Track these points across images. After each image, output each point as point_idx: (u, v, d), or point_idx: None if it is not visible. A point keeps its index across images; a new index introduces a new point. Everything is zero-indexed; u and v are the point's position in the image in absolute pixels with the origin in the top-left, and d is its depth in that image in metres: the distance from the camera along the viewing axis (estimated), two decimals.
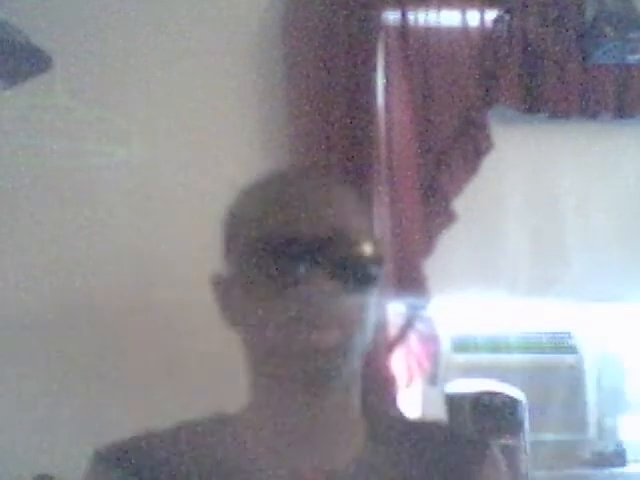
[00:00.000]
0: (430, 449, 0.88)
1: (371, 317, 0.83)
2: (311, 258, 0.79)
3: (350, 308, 0.80)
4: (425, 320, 2.05)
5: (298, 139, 2.04)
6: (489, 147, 2.11)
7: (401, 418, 1.01)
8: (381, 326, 1.95)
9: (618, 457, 2.09)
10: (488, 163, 2.11)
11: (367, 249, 0.82)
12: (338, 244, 0.80)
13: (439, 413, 1.89)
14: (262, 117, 2.12)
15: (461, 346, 2.14)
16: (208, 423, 0.87)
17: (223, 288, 0.87)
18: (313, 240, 0.79)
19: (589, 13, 2.12)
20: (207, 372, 1.75)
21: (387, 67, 2.07)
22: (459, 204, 2.09)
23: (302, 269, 0.78)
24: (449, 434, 0.93)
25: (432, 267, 2.05)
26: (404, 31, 2.10)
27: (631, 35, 2.05)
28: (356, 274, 0.81)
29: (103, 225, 2.05)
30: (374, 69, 2.05)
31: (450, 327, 2.15)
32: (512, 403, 1.82)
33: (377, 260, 0.83)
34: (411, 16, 2.10)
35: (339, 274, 0.79)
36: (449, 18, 2.12)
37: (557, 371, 2.13)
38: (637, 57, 2.09)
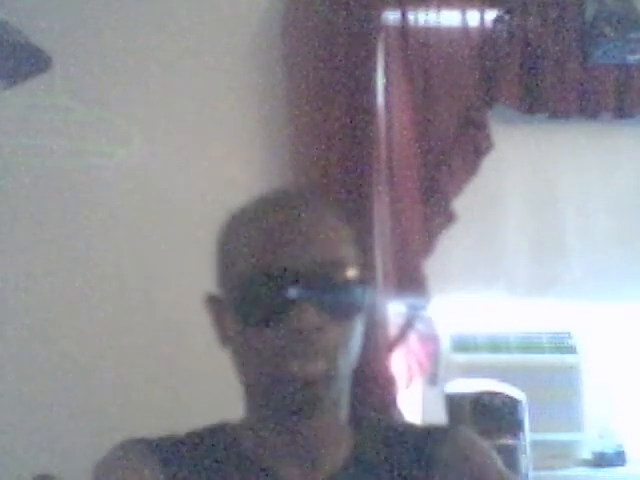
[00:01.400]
0: (411, 451, 0.89)
1: (356, 341, 0.84)
2: (300, 288, 0.79)
3: (337, 338, 0.81)
4: (425, 320, 2.05)
5: (298, 139, 2.04)
6: (489, 147, 2.11)
7: (387, 423, 0.98)
8: (381, 326, 1.95)
9: (618, 457, 2.09)
10: (488, 163, 2.11)
11: (356, 279, 0.83)
12: (328, 275, 0.81)
13: (439, 413, 1.89)
14: (262, 117, 2.12)
15: (461, 346, 2.14)
16: (213, 432, 0.89)
17: (216, 309, 0.88)
18: (303, 271, 0.79)
19: (589, 13, 2.12)
20: (207, 372, 1.75)
21: (387, 67, 2.07)
22: (459, 204, 2.09)
23: (291, 299, 0.79)
24: (428, 432, 0.93)
25: (432, 267, 2.05)
26: (404, 31, 2.10)
27: (631, 35, 2.05)
28: (344, 305, 0.82)
29: (103, 225, 2.05)
30: (374, 69, 2.05)
31: (450, 327, 2.15)
32: (512, 403, 1.81)
33: (365, 288, 0.84)
34: (411, 16, 2.10)
35: (328, 306, 0.80)
36: (449, 18, 2.12)
37: (557, 371, 2.12)
38: (637, 57, 2.09)
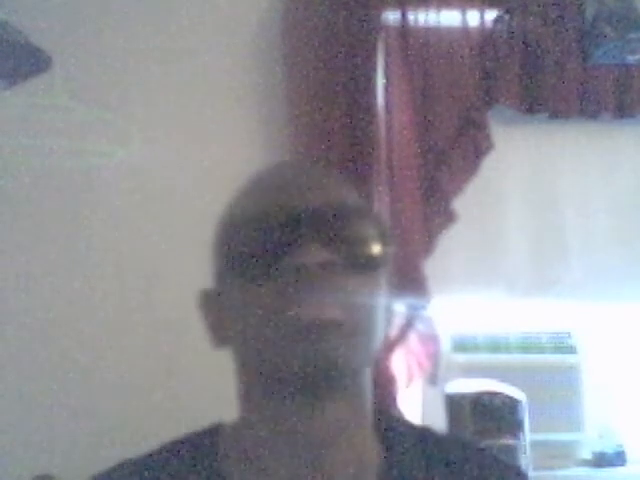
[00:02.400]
0: (451, 468, 0.81)
1: (378, 311, 0.77)
2: (304, 230, 0.72)
3: (352, 287, 0.73)
4: (425, 320, 2.05)
5: (298, 139, 2.04)
6: (489, 147, 2.11)
7: (420, 430, 0.86)
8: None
9: (618, 457, 2.09)
10: (488, 163, 2.11)
11: (366, 224, 0.77)
12: (334, 216, 0.74)
13: (439, 413, 1.89)
14: (262, 117, 2.12)
15: (461, 346, 2.14)
16: (205, 436, 0.82)
17: (212, 302, 0.81)
18: (309, 210, 0.73)
19: (589, 13, 2.12)
20: (207, 372, 1.75)
21: (387, 67, 2.07)
22: (459, 204, 2.09)
23: (296, 242, 0.72)
24: (468, 446, 0.86)
25: (432, 267, 2.05)
26: (404, 31, 2.10)
27: (631, 35, 2.05)
28: (357, 251, 0.75)
29: (103, 225, 2.05)
30: (374, 69, 2.05)
31: (450, 327, 2.15)
32: (512, 403, 1.81)
33: (379, 239, 0.77)
34: (411, 16, 2.10)
35: (335, 246, 0.73)
36: (449, 18, 2.12)
37: (557, 371, 2.13)
38: (637, 57, 2.09)
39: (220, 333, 0.81)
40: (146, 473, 0.79)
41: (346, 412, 0.76)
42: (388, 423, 0.83)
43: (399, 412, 1.96)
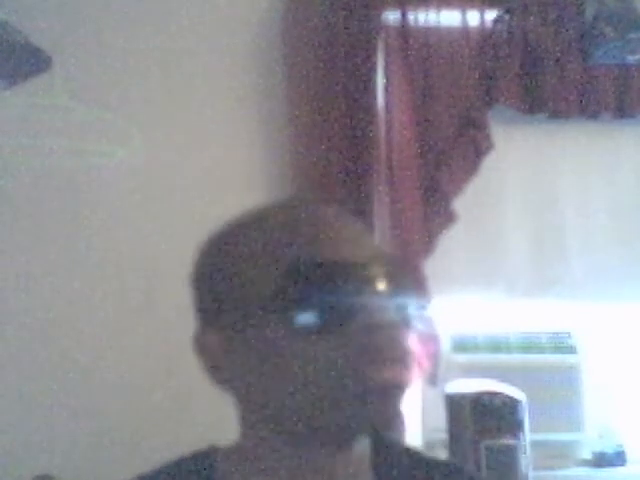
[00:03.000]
0: None
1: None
2: (371, 285, 0.68)
3: (406, 341, 0.71)
4: (425, 320, 2.05)
5: (298, 139, 2.04)
6: (489, 147, 2.11)
7: (412, 456, 0.83)
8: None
9: (618, 457, 2.09)
10: (488, 163, 2.11)
11: (405, 274, 0.75)
12: (379, 269, 0.70)
13: (439, 413, 1.88)
14: (262, 117, 2.12)
15: (461, 346, 2.14)
16: (197, 460, 0.78)
17: (212, 344, 0.74)
18: (349, 266, 0.69)
19: (589, 13, 2.12)
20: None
21: (387, 67, 2.07)
22: (459, 204, 2.09)
23: (363, 298, 0.67)
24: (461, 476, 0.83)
25: (432, 267, 2.05)
26: (404, 31, 2.10)
27: (631, 35, 2.05)
28: (406, 303, 0.72)
29: (103, 225, 2.05)
30: (374, 69, 2.05)
31: (450, 327, 2.15)
32: (512, 403, 1.81)
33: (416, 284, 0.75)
34: (411, 16, 2.10)
35: (397, 301, 0.70)
36: (449, 18, 2.12)
37: (557, 371, 2.12)
38: (637, 57, 2.09)
39: (223, 378, 0.75)
40: None
41: (359, 453, 0.75)
42: (380, 442, 0.80)
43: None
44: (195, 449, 0.80)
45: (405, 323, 0.71)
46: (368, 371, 0.67)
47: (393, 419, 0.69)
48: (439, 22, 2.12)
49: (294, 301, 0.68)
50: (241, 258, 0.73)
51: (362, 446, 0.74)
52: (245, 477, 0.75)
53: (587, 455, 2.12)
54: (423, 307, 2.04)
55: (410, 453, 0.83)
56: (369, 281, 0.69)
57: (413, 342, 0.71)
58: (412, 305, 0.72)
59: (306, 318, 0.67)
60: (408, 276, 0.73)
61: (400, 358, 0.69)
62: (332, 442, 0.71)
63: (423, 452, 0.87)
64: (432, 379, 2.04)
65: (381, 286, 0.69)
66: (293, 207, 0.77)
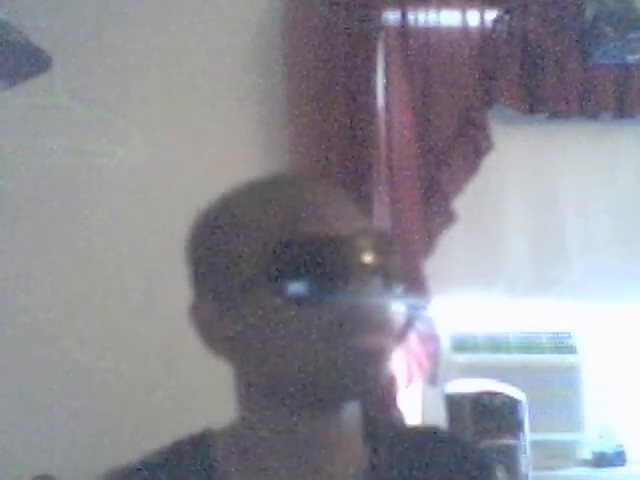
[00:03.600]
0: (435, 462, 0.82)
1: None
2: (354, 257, 0.72)
3: (389, 311, 0.75)
4: (425, 320, 2.05)
5: (298, 139, 2.04)
6: (489, 147, 2.11)
7: (403, 428, 0.88)
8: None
9: (618, 457, 2.09)
10: (488, 163, 2.11)
11: (392, 247, 0.77)
12: (365, 242, 0.74)
13: (439, 413, 1.89)
14: (262, 117, 2.12)
15: (461, 346, 2.14)
16: (193, 443, 0.81)
17: (209, 314, 0.77)
18: (338, 239, 0.72)
19: (589, 13, 2.12)
20: (207, 372, 1.75)
21: (387, 67, 2.07)
22: (459, 204, 2.09)
23: (347, 270, 0.71)
24: (454, 445, 0.85)
25: (432, 267, 2.05)
26: (404, 31, 2.10)
27: (631, 35, 2.05)
28: (391, 274, 0.75)
29: (103, 225, 2.05)
30: (374, 69, 2.05)
31: (450, 327, 2.15)
32: (512, 403, 1.81)
33: (396, 256, 0.78)
34: (411, 16, 2.10)
35: (381, 272, 0.73)
36: (449, 18, 2.12)
37: (557, 371, 2.13)
38: (637, 57, 2.09)
39: (221, 345, 0.78)
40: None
41: (349, 419, 0.78)
42: (375, 423, 0.83)
43: (399, 412, 1.96)
44: (190, 433, 0.82)
45: (389, 294, 0.74)
46: (350, 338, 0.71)
47: (375, 383, 0.73)
48: (439, 22, 2.12)
49: (281, 273, 0.71)
50: (232, 231, 0.76)
51: (351, 414, 0.78)
52: (241, 454, 0.78)
53: (587, 455, 2.12)
54: (423, 307, 2.04)
55: (400, 424, 0.86)
56: (352, 254, 0.72)
57: (397, 313, 0.75)
58: (396, 276, 0.76)
59: (292, 289, 0.71)
60: (393, 249, 0.76)
61: (381, 326, 0.73)
62: (321, 407, 0.75)
63: (414, 425, 0.89)
64: (432, 379, 2.04)
65: (364, 259, 0.72)
66: (284, 181, 0.80)
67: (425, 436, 0.87)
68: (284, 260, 0.72)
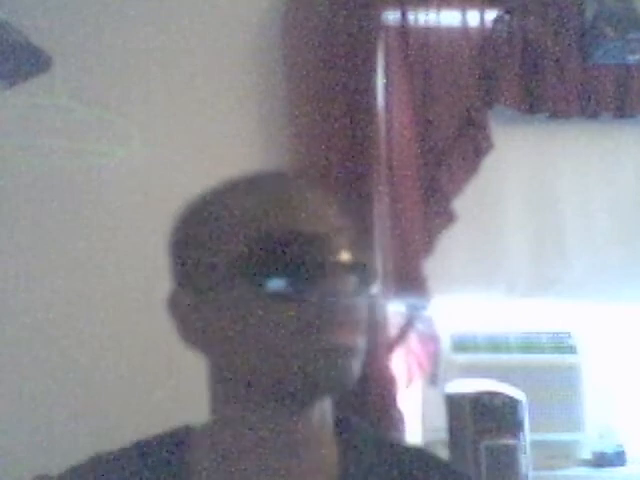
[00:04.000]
0: (407, 476, 0.81)
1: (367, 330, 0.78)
2: (326, 256, 0.73)
3: (360, 309, 0.75)
4: (425, 320, 2.05)
5: (298, 139, 2.04)
6: (489, 147, 2.11)
7: (377, 438, 0.86)
8: (381, 326, 1.95)
9: (618, 457, 2.09)
10: (488, 163, 2.11)
11: (363, 243, 0.78)
12: (347, 239, 0.75)
13: (439, 413, 1.89)
14: (262, 117, 2.12)
15: (461, 346, 2.14)
16: (170, 438, 0.83)
17: (186, 306, 0.81)
18: (314, 237, 0.73)
19: (589, 13, 2.12)
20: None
21: (387, 67, 2.07)
22: (459, 204, 2.09)
23: (320, 262, 0.72)
24: (428, 463, 0.85)
25: (432, 267, 2.05)
26: (404, 31, 2.10)
27: (631, 35, 2.05)
28: (364, 273, 0.76)
29: (103, 225, 2.05)
30: (374, 69, 2.05)
31: (450, 327, 2.15)
32: (512, 403, 1.81)
33: (371, 255, 0.80)
34: (411, 16, 2.10)
35: (352, 271, 0.74)
36: (449, 18, 2.12)
37: (557, 371, 2.13)
38: (637, 57, 2.09)
39: (194, 337, 0.80)
40: (115, 470, 0.81)
41: (320, 417, 0.79)
42: (346, 423, 0.84)
43: (399, 412, 1.97)
44: (170, 428, 0.84)
45: (362, 292, 0.75)
46: (320, 335, 0.72)
47: (344, 381, 0.73)
48: (439, 22, 2.12)
49: (254, 267, 0.73)
50: (212, 223, 0.79)
51: (322, 414, 0.79)
52: (213, 451, 0.79)
53: (587, 455, 2.13)
54: (423, 307, 2.04)
55: (373, 432, 0.87)
56: (326, 251, 0.73)
57: (371, 312, 0.76)
58: (370, 275, 0.77)
59: (264, 284, 0.73)
60: (369, 248, 0.77)
61: (353, 324, 0.74)
62: (290, 403, 0.75)
63: (399, 441, 0.91)
64: (432, 379, 2.04)
65: (338, 256, 0.74)
66: (266, 178, 0.82)
67: (404, 452, 0.85)
68: (258, 254, 0.73)
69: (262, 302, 0.73)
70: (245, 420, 0.77)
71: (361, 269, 0.75)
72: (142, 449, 0.82)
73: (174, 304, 0.83)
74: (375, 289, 0.78)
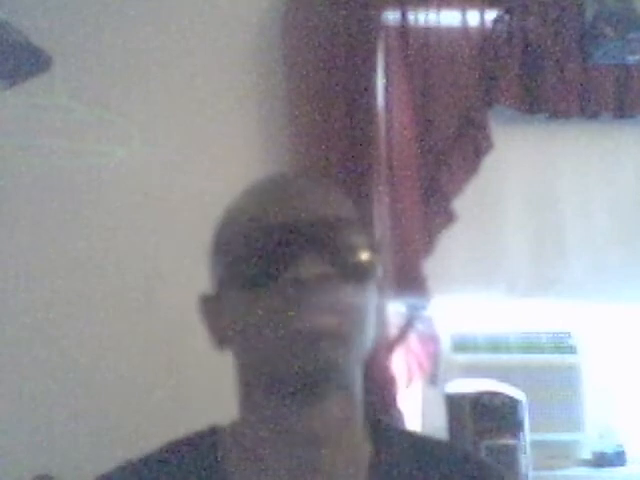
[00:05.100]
0: (439, 471, 0.82)
1: (370, 315, 0.79)
2: (302, 244, 0.76)
3: (347, 297, 0.76)
4: (425, 320, 2.05)
5: (298, 139, 2.04)
6: (489, 147, 2.11)
7: (409, 433, 0.90)
8: (381, 326, 1.95)
9: (618, 457, 2.09)
10: (488, 163, 2.11)
11: (360, 238, 0.80)
12: (328, 229, 0.77)
13: (439, 413, 1.89)
14: (262, 117, 2.12)
15: (461, 346, 2.14)
16: (204, 437, 0.84)
17: (212, 306, 0.84)
18: (304, 224, 0.76)
19: (589, 13, 2.12)
20: (207, 372, 1.75)
21: (387, 67, 2.07)
22: (459, 204, 2.09)
23: (294, 255, 0.75)
24: (458, 456, 0.87)
25: (432, 267, 2.05)
26: (404, 31, 2.10)
27: (631, 35, 2.05)
28: (351, 263, 0.78)
29: (103, 225, 2.05)
30: (374, 69, 2.05)
31: (450, 327, 2.15)
32: (512, 403, 1.81)
33: (372, 250, 0.80)
34: (411, 16, 2.10)
35: (333, 260, 0.76)
36: (449, 18, 2.12)
37: (557, 371, 2.13)
38: (637, 57, 2.09)
39: (220, 336, 0.83)
40: (147, 475, 0.81)
41: (342, 409, 0.79)
42: (378, 424, 0.85)
43: (399, 412, 1.96)
44: (196, 430, 0.85)
45: (337, 278, 0.77)
46: (296, 321, 0.74)
47: (332, 366, 0.75)
48: (439, 22, 2.12)
49: (241, 261, 0.78)
50: (227, 224, 0.83)
51: (342, 408, 0.79)
52: (242, 451, 0.80)
53: (587, 455, 2.13)
54: (423, 307, 2.04)
55: (410, 431, 0.92)
56: (300, 240, 0.76)
57: (349, 294, 0.77)
58: (345, 262, 0.78)
59: (249, 279, 0.77)
60: (354, 237, 0.80)
61: (333, 309, 0.75)
62: (297, 391, 0.76)
63: (427, 435, 0.91)
64: (432, 379, 2.04)
65: (315, 245, 0.76)
66: (276, 180, 0.86)
67: (436, 446, 0.87)
68: (244, 249, 0.78)
69: (252, 297, 0.77)
70: (266, 416, 0.79)
71: (341, 258, 0.77)
72: (174, 452, 0.83)
73: (206, 305, 0.86)
74: (376, 280, 0.80)
